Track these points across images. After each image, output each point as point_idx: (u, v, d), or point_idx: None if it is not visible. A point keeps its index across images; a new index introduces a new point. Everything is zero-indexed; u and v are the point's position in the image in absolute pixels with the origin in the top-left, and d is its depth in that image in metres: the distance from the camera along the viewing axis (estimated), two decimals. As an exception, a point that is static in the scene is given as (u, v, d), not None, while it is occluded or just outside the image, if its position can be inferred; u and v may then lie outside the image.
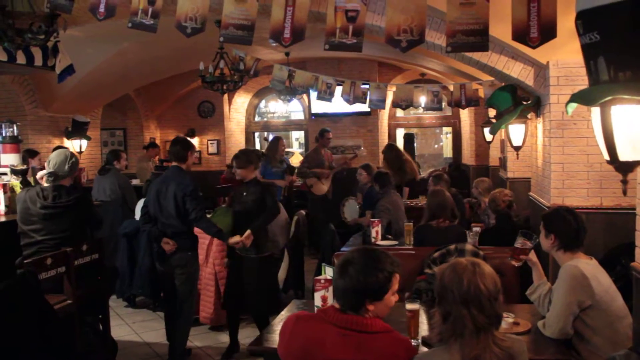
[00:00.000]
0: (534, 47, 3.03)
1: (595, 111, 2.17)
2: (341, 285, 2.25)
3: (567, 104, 2.31)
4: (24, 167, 5.33)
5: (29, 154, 6.88)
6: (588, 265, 3.03)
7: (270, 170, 8.09)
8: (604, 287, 2.99)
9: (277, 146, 8.28)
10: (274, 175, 8.07)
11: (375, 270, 2.23)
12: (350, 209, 7.49)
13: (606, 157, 2.21)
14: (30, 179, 5.23)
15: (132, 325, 5.99)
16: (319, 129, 9.32)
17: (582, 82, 4.13)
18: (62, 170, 4.31)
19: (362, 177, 7.52)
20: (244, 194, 4.99)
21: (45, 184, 4.31)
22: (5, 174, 5.06)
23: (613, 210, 4.25)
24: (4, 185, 4.85)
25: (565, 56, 4.23)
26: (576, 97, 2.20)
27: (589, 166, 4.31)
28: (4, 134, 5.31)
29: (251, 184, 4.99)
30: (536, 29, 2.96)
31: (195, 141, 12.35)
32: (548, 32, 2.97)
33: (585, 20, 2.03)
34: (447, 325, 2.13)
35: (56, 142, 8.70)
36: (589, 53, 2.07)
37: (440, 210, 4.88)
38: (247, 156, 5.05)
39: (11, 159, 5.28)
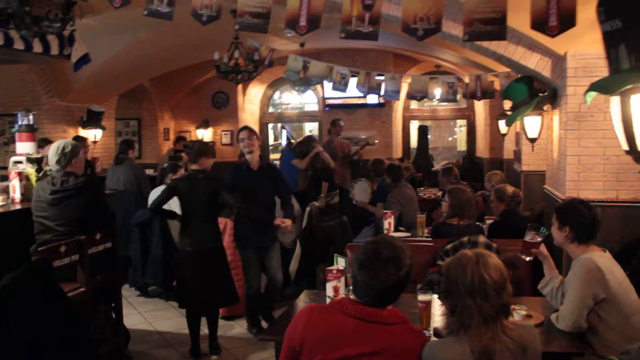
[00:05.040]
0: (552, 36, 2.99)
1: (615, 100, 2.14)
2: (381, 283, 2.18)
3: (585, 93, 2.28)
4: (39, 155, 5.36)
5: (44, 143, 6.92)
6: (602, 258, 2.99)
7: (293, 157, 7.84)
8: (619, 281, 2.96)
9: (309, 148, 7.91)
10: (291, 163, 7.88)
11: (408, 259, 2.22)
12: (361, 190, 7.40)
13: (625, 147, 2.18)
14: (46, 168, 5.26)
15: (144, 314, 6.03)
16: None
17: (601, 74, 4.06)
18: (54, 166, 4.33)
19: (372, 175, 7.52)
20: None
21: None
22: (21, 162, 5.09)
23: (630, 204, 4.20)
24: (20, 174, 4.88)
25: (583, 47, 4.17)
26: (595, 86, 2.17)
27: (606, 159, 4.26)
28: (20, 123, 5.33)
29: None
30: (555, 18, 2.91)
31: (209, 132, 12.40)
32: (567, 21, 2.93)
33: (607, 7, 2.00)
34: (455, 317, 2.14)
35: (71, 131, 8.76)
36: (610, 41, 2.04)
37: (463, 209, 4.72)
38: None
39: (27, 147, 5.30)
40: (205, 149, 5.07)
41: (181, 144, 10.58)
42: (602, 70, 3.97)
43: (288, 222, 5.25)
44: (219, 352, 4.93)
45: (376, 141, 11.65)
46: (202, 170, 4.96)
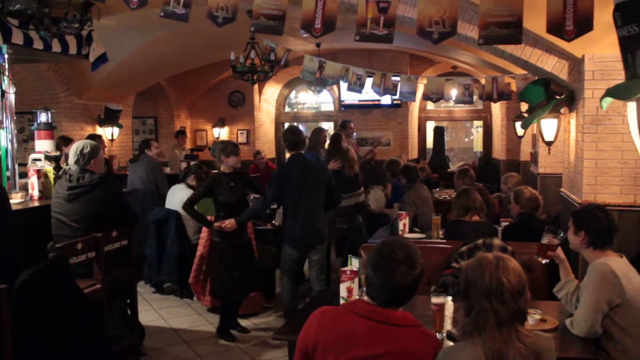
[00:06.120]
0: (569, 40, 2.97)
1: (632, 106, 2.12)
2: (398, 284, 2.18)
3: (601, 98, 2.26)
4: (58, 153, 5.42)
5: (63, 142, 6.99)
6: (618, 263, 2.96)
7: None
8: (635, 286, 2.93)
9: (319, 137, 7.84)
10: None
11: (420, 258, 2.23)
12: (375, 197, 7.41)
13: (641, 153, 2.16)
14: (64, 166, 5.32)
15: (159, 311, 6.07)
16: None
17: (619, 77, 4.04)
18: (73, 166, 4.38)
19: (388, 175, 7.51)
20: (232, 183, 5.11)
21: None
22: (39, 159, 5.15)
23: (647, 208, 4.16)
24: (38, 171, 4.94)
25: (601, 50, 4.14)
26: (611, 92, 2.15)
27: (623, 162, 4.22)
28: (38, 121, 5.40)
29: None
30: (572, 22, 2.89)
31: (225, 130, 12.46)
32: (584, 25, 2.90)
33: (624, 12, 1.98)
34: (470, 319, 2.14)
35: (89, 129, 8.85)
36: (627, 46, 2.02)
37: (469, 206, 4.82)
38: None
39: (45, 145, 5.36)
40: (222, 147, 5.15)
41: (181, 138, 10.65)
42: (620, 73, 3.92)
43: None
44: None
45: (389, 140, 11.66)
46: (225, 171, 5.12)
